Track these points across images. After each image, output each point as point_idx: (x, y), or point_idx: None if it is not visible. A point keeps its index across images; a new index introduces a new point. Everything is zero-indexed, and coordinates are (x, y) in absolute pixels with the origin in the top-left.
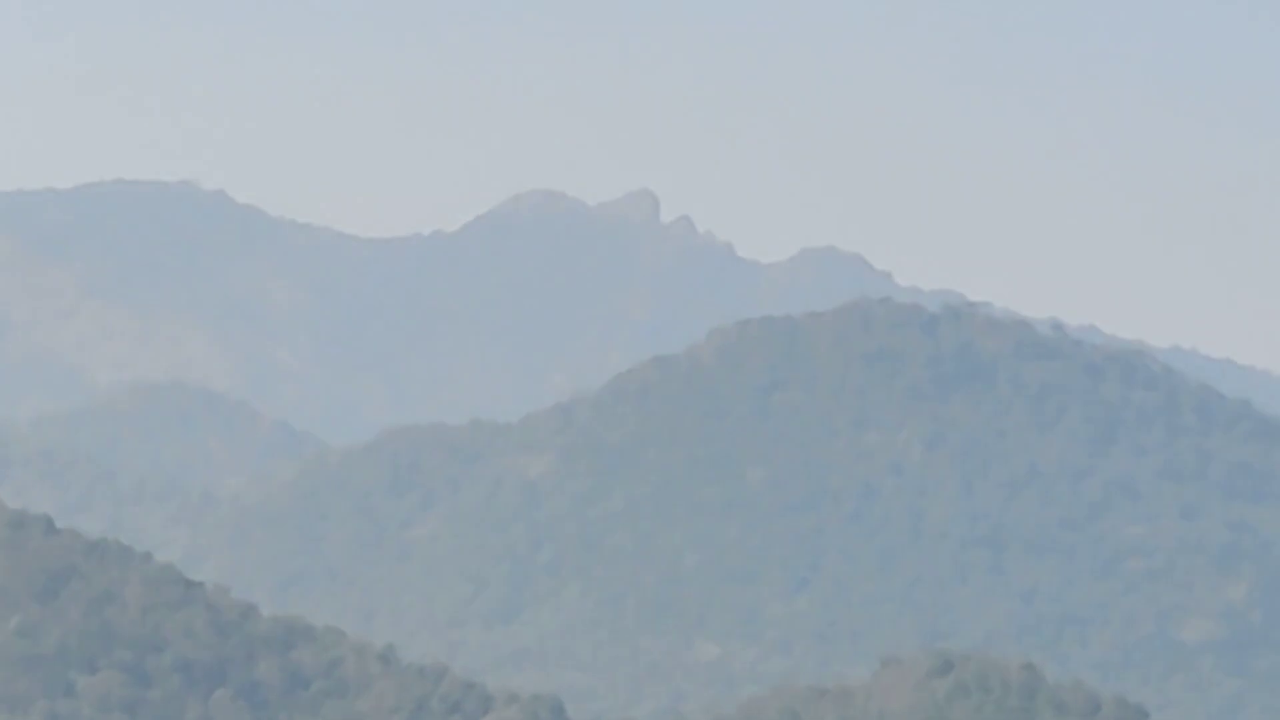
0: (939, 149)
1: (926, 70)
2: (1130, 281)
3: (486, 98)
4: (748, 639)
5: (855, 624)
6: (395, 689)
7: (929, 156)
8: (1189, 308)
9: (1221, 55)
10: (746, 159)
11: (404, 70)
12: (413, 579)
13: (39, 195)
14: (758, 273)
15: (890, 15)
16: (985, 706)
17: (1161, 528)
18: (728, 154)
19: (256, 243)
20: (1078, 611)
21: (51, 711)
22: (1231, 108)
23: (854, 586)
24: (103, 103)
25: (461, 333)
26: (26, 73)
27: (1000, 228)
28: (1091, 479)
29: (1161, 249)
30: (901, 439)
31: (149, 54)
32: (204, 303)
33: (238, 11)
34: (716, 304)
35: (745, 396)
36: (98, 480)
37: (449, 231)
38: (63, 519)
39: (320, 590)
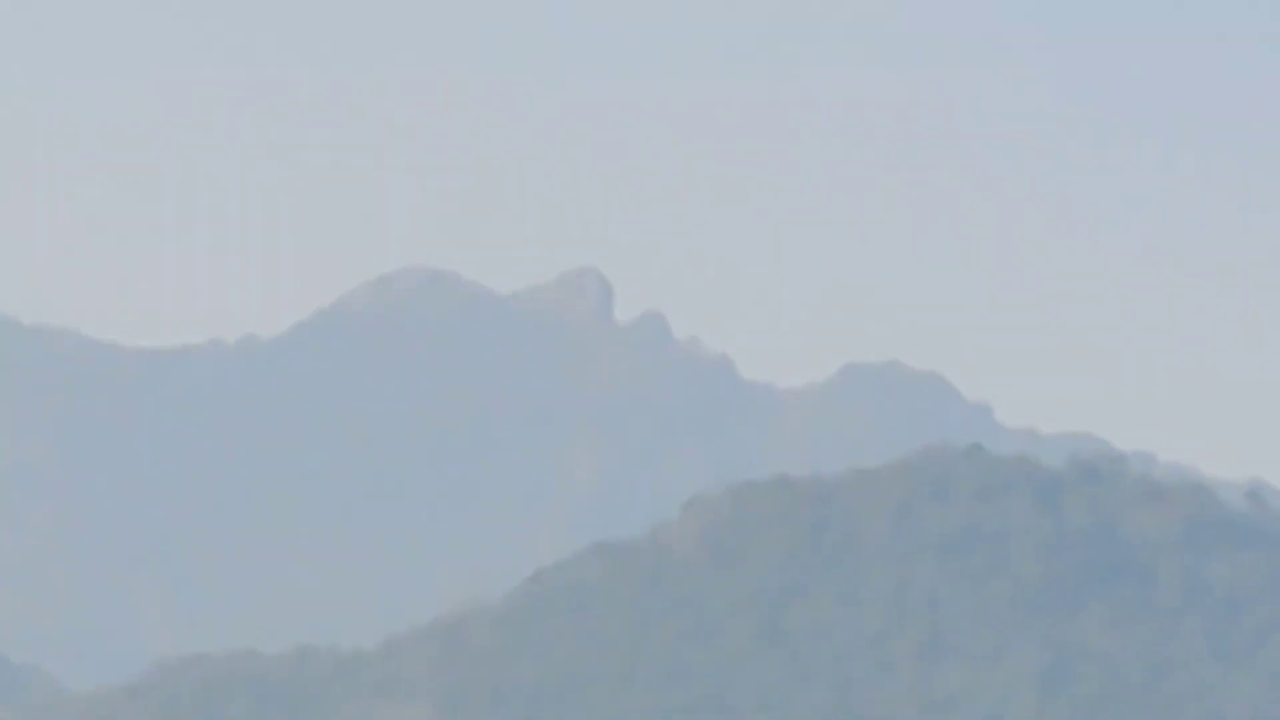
0: (1071, 221)
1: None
2: None
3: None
4: None
5: None
6: None
7: (1047, 228)
8: None
9: None
10: (749, 224)
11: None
12: None
13: None
14: (773, 404)
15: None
16: None
17: None
18: (719, 215)
19: None
20: None
21: None
22: None
23: None
24: None
25: (281, 501)
26: None
27: (1167, 341)
28: None
29: None
30: (1003, 678)
31: None
32: None
33: None
34: (704, 456)
35: (746, 607)
36: None
37: (265, 337)
38: None
39: None
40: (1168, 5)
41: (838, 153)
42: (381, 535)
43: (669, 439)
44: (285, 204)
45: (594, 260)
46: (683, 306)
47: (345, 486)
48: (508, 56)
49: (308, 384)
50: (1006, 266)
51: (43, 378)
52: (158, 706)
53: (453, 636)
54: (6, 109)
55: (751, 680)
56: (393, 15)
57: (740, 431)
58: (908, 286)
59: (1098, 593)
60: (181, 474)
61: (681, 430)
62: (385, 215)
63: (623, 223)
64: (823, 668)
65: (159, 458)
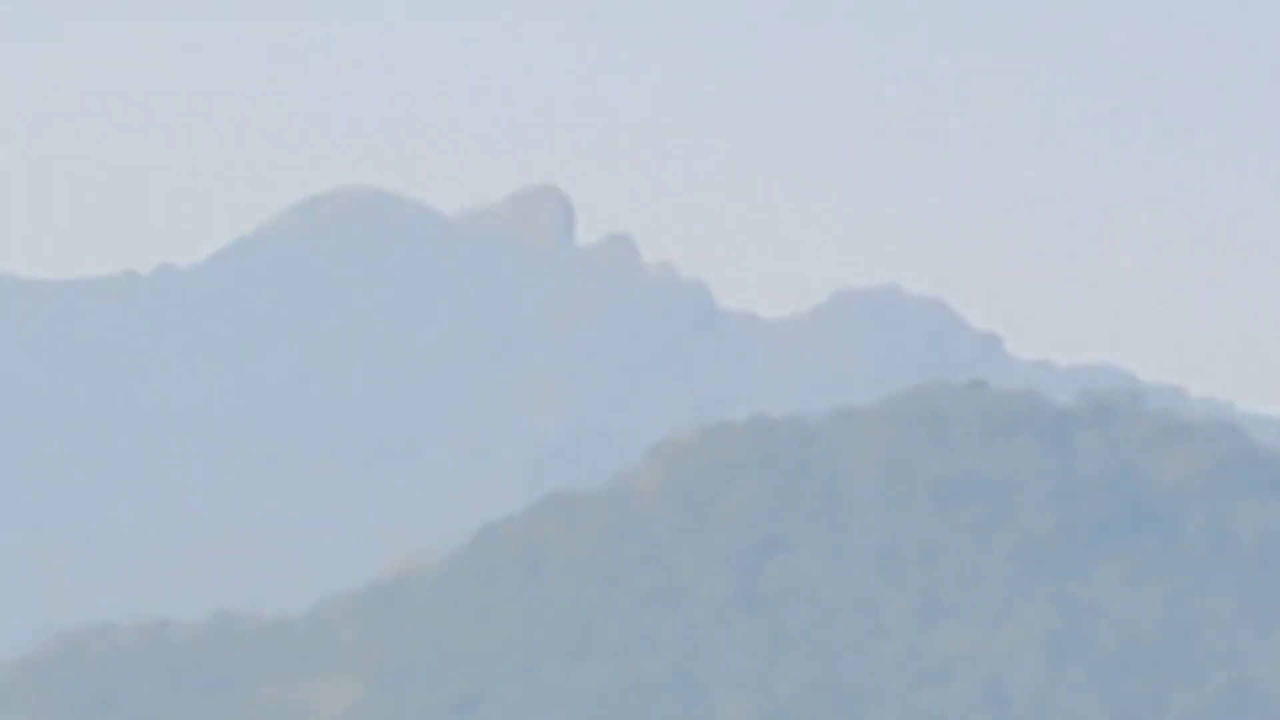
0: (1084, 142)
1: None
2: None
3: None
4: None
5: None
6: None
7: (1064, 129)
8: None
9: None
10: (728, 135)
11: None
12: None
13: None
14: (755, 336)
15: None
16: None
17: None
18: (694, 125)
19: None
20: None
21: None
22: None
23: None
24: None
25: (202, 451)
26: None
27: (1200, 260)
28: None
29: None
30: (1008, 641)
31: None
32: None
33: None
34: (678, 395)
35: (719, 565)
36: None
37: (183, 267)
38: None
39: None
40: None
41: (825, 54)
42: (312, 489)
43: (638, 377)
44: (203, 121)
45: (553, 177)
46: (653, 227)
47: (272, 433)
48: None
49: (229, 319)
50: (1017, 177)
51: None
52: (58, 683)
53: (388, 602)
54: None
55: (724, 648)
56: None
57: (718, 367)
58: (905, 202)
59: (1114, 545)
60: (87, 420)
61: (652, 367)
62: (315, 132)
63: (584, 135)
64: (805, 633)
65: (62, 401)
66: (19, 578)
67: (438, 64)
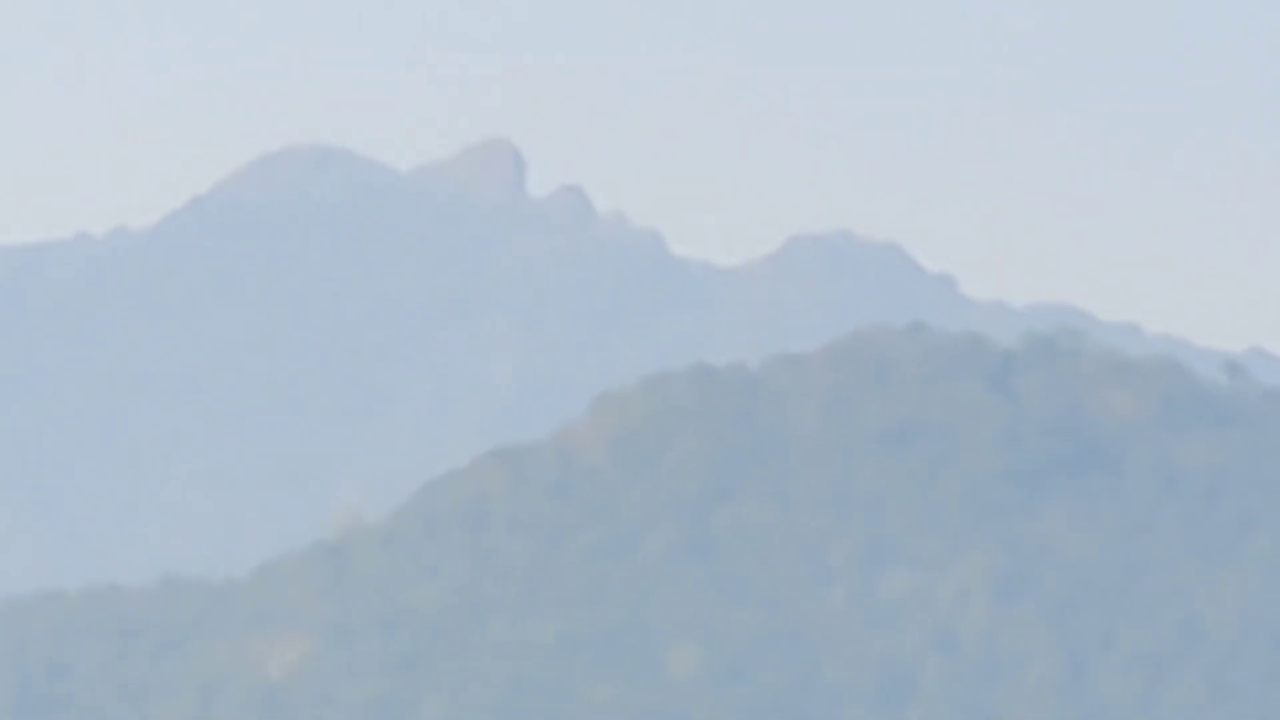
0: (1030, 80)
1: None
2: None
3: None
4: None
5: None
6: None
7: (1015, 89)
8: None
9: None
10: (680, 83)
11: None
12: None
13: None
14: (709, 285)
15: None
16: None
17: None
18: (645, 74)
19: None
20: None
21: None
22: None
23: None
24: None
25: (152, 414)
26: None
27: (1156, 196)
28: None
29: None
30: (954, 585)
31: None
32: None
33: None
34: (634, 346)
35: (663, 516)
36: None
37: (137, 229)
38: None
39: None
40: None
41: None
42: (269, 447)
43: (595, 328)
44: (153, 82)
45: (504, 130)
46: (605, 178)
47: (221, 393)
48: None
49: (183, 279)
50: (969, 117)
51: None
52: (5, 652)
53: (335, 559)
54: None
55: (672, 598)
56: None
57: (674, 316)
58: (859, 146)
59: (1059, 485)
60: (37, 382)
61: (609, 317)
62: (265, 91)
63: (534, 87)
64: (752, 580)
65: (12, 363)
66: None
67: (386, 20)
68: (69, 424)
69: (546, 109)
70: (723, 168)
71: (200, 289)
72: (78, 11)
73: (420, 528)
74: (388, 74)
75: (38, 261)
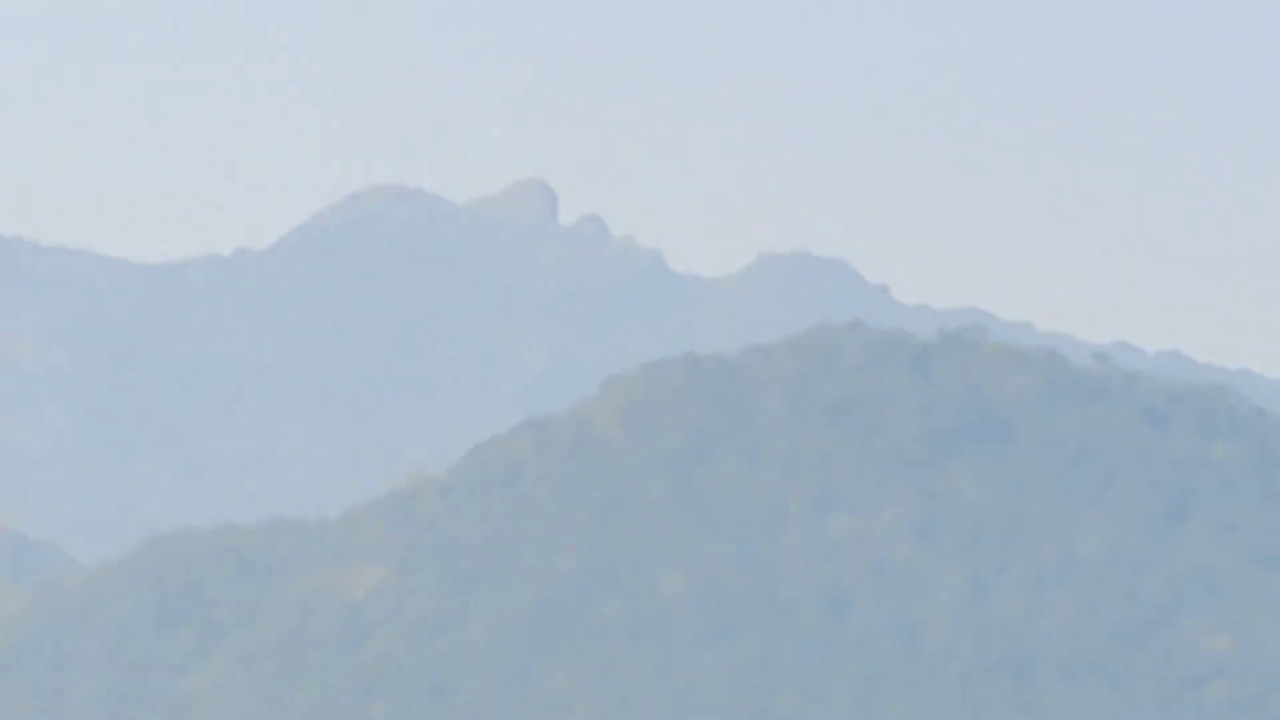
0: (951, 124)
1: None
2: (1209, 294)
3: (307, 79)
4: None
5: None
6: None
7: (939, 133)
8: None
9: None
10: (678, 134)
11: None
12: None
13: None
14: (698, 292)
15: None
16: None
17: (1253, 639)
18: (651, 127)
19: None
20: None
21: None
22: None
23: None
24: None
25: (268, 393)
26: None
27: (1040, 220)
28: (1155, 573)
29: (1258, 253)
30: (884, 524)
31: None
32: None
33: None
34: (638, 340)
35: (659, 472)
36: None
37: (258, 250)
38: None
39: None
40: None
41: (752, 65)
42: (349, 419)
43: (607, 327)
44: (265, 124)
45: (540, 172)
46: (619, 209)
47: (320, 376)
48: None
49: (293, 287)
50: (904, 159)
51: (64, 293)
52: (147, 580)
53: (404, 506)
54: None
55: (665, 535)
56: None
57: (670, 317)
58: (814, 183)
59: (966, 449)
60: (179, 364)
61: (618, 319)
62: (363, 138)
63: (564, 138)
64: (727, 522)
65: (160, 351)
66: (132, 495)
67: (448, 82)
68: (204, 399)
69: (573, 155)
70: (710, 201)
71: (305, 295)
72: (211, 46)
73: (470, 481)
74: (450, 126)
75: (178, 275)
